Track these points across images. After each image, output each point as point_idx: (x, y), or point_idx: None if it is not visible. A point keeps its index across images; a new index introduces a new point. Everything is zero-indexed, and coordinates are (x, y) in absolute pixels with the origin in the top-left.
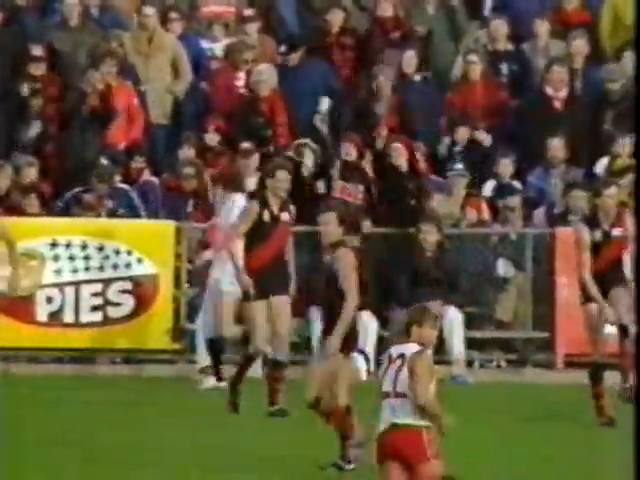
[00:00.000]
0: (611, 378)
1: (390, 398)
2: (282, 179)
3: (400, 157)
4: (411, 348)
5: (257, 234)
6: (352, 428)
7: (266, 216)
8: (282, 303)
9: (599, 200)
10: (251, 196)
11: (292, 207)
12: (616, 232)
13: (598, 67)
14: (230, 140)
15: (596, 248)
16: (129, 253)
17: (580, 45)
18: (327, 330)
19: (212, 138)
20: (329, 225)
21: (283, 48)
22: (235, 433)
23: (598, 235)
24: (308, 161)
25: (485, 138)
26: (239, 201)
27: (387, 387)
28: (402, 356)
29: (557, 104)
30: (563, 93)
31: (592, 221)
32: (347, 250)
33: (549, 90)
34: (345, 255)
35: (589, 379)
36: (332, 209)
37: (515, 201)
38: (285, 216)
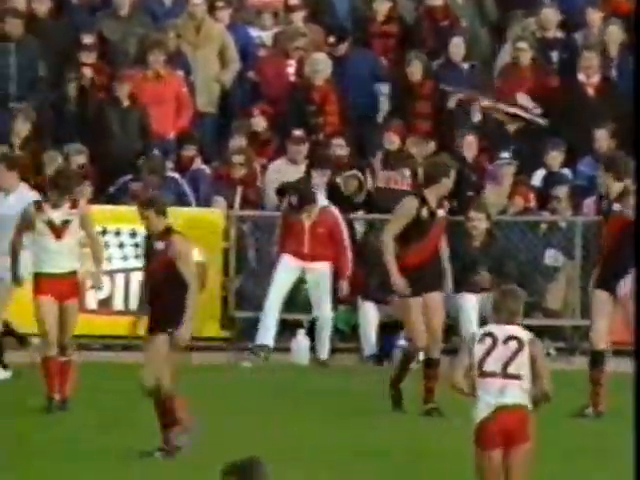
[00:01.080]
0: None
1: (496, 378)
2: (452, 180)
3: (470, 149)
4: (520, 331)
5: (414, 231)
6: (175, 413)
7: (424, 213)
8: (437, 300)
9: None
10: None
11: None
12: None
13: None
14: (278, 126)
15: None
16: None
17: (614, 33)
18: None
19: (258, 123)
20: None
21: (332, 38)
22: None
23: None
24: (351, 188)
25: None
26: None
27: (492, 367)
28: (516, 339)
29: (590, 90)
30: (595, 79)
31: None
32: (182, 238)
33: (581, 77)
34: (182, 242)
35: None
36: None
37: (563, 191)
38: (441, 212)
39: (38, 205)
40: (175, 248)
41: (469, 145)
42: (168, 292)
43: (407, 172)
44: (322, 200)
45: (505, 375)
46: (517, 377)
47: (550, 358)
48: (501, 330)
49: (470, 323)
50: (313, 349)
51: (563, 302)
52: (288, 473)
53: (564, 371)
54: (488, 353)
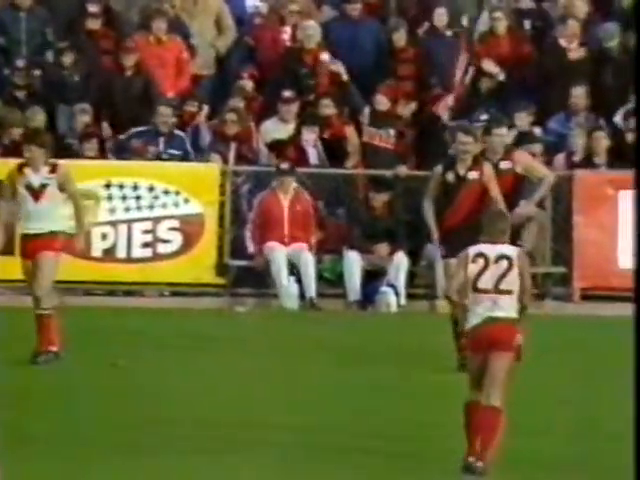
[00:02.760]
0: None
1: (490, 294)
2: (464, 142)
3: (443, 108)
4: (509, 249)
5: (444, 195)
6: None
7: (450, 177)
8: None
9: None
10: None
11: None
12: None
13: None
14: (272, 88)
15: None
16: (177, 193)
17: (579, 6)
18: None
19: (246, 84)
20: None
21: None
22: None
23: None
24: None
25: (498, 72)
26: None
27: (485, 284)
28: (506, 257)
29: (571, 55)
30: (575, 45)
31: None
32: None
33: (563, 42)
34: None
35: None
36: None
37: (537, 148)
38: (473, 175)
39: (20, 169)
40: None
41: (444, 106)
42: None
43: (392, 132)
44: (313, 156)
45: (497, 291)
46: (508, 292)
47: None
48: (492, 250)
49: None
50: (303, 296)
51: (534, 249)
52: (283, 417)
53: (534, 315)
54: (481, 272)
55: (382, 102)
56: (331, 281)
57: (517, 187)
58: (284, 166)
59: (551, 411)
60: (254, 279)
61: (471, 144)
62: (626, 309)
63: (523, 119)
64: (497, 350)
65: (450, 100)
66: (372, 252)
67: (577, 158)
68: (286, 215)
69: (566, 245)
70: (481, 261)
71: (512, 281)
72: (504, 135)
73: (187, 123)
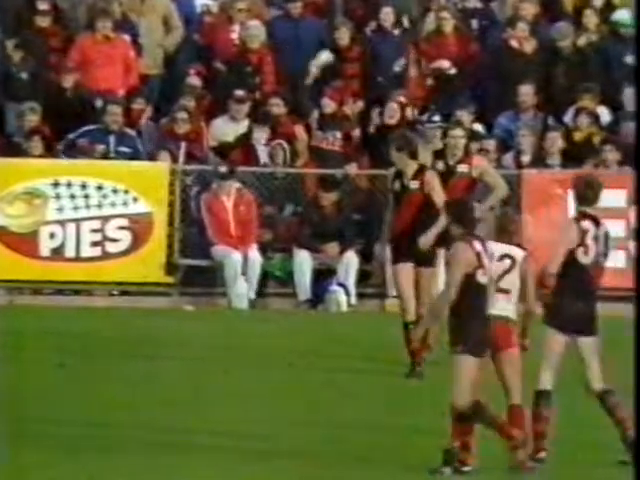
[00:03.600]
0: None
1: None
2: (457, 135)
3: (394, 114)
4: (516, 250)
5: (394, 202)
6: None
7: (397, 186)
8: (424, 276)
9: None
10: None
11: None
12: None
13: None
14: (219, 86)
15: None
16: (126, 192)
17: (527, 7)
18: None
19: (193, 81)
20: None
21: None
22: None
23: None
24: (279, 160)
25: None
26: None
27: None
28: (510, 257)
29: (521, 56)
30: (527, 47)
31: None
32: None
33: (514, 43)
34: None
35: None
36: None
37: (490, 144)
38: (414, 184)
39: None
40: None
41: (393, 112)
42: None
43: (338, 134)
44: (263, 154)
45: (498, 289)
46: (507, 292)
47: None
48: (498, 248)
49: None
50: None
51: None
52: (231, 410)
53: None
54: (506, 272)
55: (329, 105)
56: (281, 280)
57: (471, 191)
58: (222, 169)
59: None
60: (203, 278)
61: (463, 138)
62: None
63: (464, 117)
64: (501, 349)
65: (395, 105)
66: (322, 251)
67: (526, 157)
68: (231, 217)
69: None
70: (507, 262)
71: (512, 281)
72: (460, 136)
73: (135, 121)
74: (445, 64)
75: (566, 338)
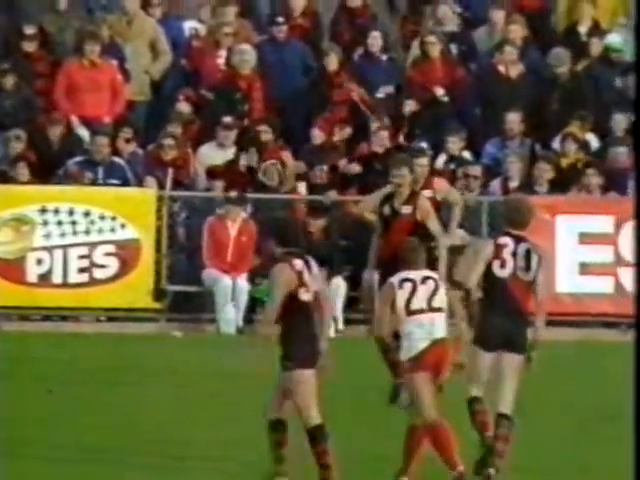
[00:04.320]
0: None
1: (425, 313)
2: (399, 175)
3: (382, 142)
4: (428, 272)
5: (381, 227)
6: None
7: (386, 210)
8: None
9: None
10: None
11: None
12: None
13: (544, 50)
14: (207, 113)
15: None
16: (113, 219)
17: (516, 30)
18: None
19: (182, 107)
20: None
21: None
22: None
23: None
24: (272, 181)
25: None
26: None
27: (419, 304)
28: (431, 278)
29: (508, 82)
30: (514, 72)
31: None
32: None
33: (501, 68)
34: None
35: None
36: None
37: (477, 170)
38: (406, 209)
39: None
40: None
41: (381, 139)
42: None
43: (325, 167)
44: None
45: (432, 309)
46: (440, 310)
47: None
48: (416, 274)
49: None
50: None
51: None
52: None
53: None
54: (412, 294)
55: (319, 136)
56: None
57: (437, 214)
58: (233, 194)
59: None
60: (190, 304)
61: (406, 176)
62: (565, 334)
63: (455, 143)
64: (441, 373)
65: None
66: None
67: (514, 184)
68: (232, 244)
69: None
70: (408, 284)
71: (442, 299)
72: (425, 165)
73: (122, 150)
74: (439, 91)
75: (490, 355)
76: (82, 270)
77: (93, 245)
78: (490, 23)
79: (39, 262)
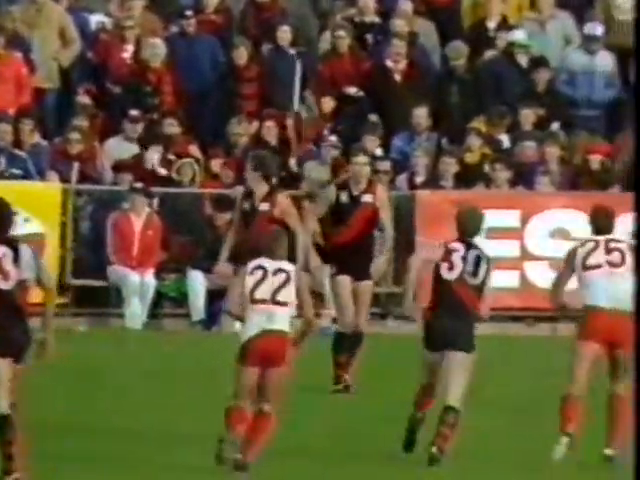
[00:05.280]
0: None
1: (266, 305)
2: (360, 162)
3: (270, 133)
4: (287, 265)
5: (336, 215)
6: None
7: (344, 198)
8: (364, 291)
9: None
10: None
11: None
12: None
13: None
14: (115, 106)
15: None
16: (16, 213)
17: (423, 24)
18: None
19: (84, 100)
20: None
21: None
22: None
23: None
24: (186, 178)
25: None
26: None
27: (263, 295)
28: (284, 271)
29: (396, 76)
30: (402, 65)
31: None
32: None
33: (389, 63)
34: None
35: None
36: None
37: (386, 165)
38: (367, 197)
39: None
40: None
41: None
42: None
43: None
44: (162, 171)
45: (276, 302)
46: (284, 304)
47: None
48: (271, 264)
49: None
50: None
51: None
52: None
53: (377, 333)
54: (259, 283)
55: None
56: (175, 300)
57: (375, 221)
58: (137, 185)
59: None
60: (96, 299)
61: (366, 164)
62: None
63: (373, 141)
64: (272, 366)
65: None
66: (216, 272)
67: (420, 179)
68: (137, 238)
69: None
70: (259, 273)
71: (289, 294)
72: (364, 163)
73: (23, 142)
74: (352, 89)
75: (437, 355)
76: None
77: None
78: (399, 15)
79: None
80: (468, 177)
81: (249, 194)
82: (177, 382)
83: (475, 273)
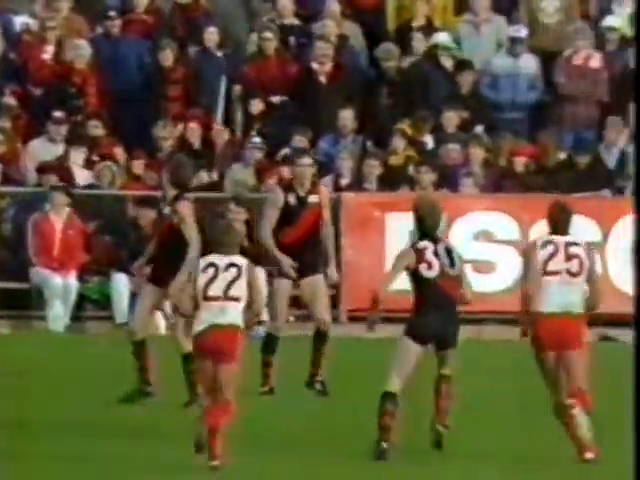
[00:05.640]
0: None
1: (219, 301)
2: (304, 164)
3: (194, 135)
4: (239, 259)
5: (285, 218)
6: None
7: (292, 200)
8: (315, 284)
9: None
10: None
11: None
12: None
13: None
14: (38, 108)
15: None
16: None
17: (350, 26)
18: None
19: (10, 101)
20: None
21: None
22: None
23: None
24: (105, 180)
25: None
26: None
27: (215, 292)
28: (235, 266)
29: (322, 78)
30: (327, 67)
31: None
32: None
33: (314, 65)
34: None
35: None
36: None
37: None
38: (313, 198)
39: None
40: None
41: (218, 133)
42: None
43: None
44: (81, 177)
45: (226, 297)
46: (236, 299)
47: (288, 324)
48: (222, 260)
49: None
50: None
51: None
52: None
53: (303, 335)
54: (211, 280)
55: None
56: (98, 303)
57: (321, 221)
58: (57, 184)
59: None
60: (18, 301)
61: (311, 166)
62: (393, 330)
63: (301, 141)
64: (224, 361)
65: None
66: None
67: (345, 181)
68: (57, 239)
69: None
70: (212, 270)
71: (241, 288)
72: (308, 165)
73: None
74: (274, 99)
75: (421, 348)
76: None
77: None
78: (328, 17)
79: None
80: (393, 179)
81: (164, 197)
82: (99, 384)
83: (452, 264)
